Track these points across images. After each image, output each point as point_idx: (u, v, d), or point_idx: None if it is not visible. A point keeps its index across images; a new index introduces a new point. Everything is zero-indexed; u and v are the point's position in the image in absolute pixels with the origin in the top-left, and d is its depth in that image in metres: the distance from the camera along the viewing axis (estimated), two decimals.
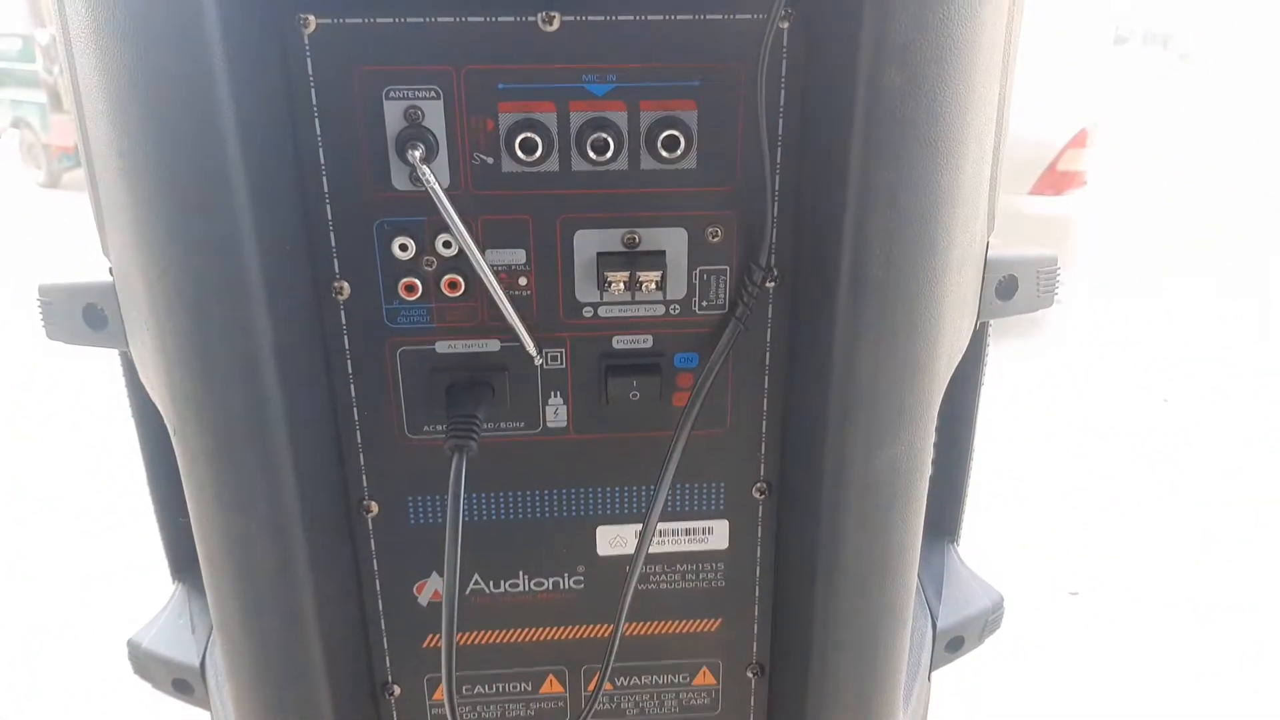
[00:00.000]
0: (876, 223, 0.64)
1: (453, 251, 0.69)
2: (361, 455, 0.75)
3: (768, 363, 0.75)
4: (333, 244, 0.69)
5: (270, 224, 0.63)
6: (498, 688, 0.84)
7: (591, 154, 0.66)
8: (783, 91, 0.67)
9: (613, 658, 0.76)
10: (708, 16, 0.65)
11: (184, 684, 0.87)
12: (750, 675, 0.86)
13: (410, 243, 0.68)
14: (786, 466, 0.78)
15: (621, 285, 0.70)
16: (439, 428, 0.75)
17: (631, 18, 0.64)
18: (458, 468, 0.68)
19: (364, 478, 0.76)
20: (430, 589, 0.80)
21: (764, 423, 0.77)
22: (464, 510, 0.77)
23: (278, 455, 0.68)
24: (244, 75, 0.60)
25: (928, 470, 0.75)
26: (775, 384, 0.76)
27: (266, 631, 0.73)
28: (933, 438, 0.74)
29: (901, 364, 0.68)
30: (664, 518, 0.78)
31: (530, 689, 0.84)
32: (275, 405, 0.67)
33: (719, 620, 0.84)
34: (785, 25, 0.65)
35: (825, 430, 0.71)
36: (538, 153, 0.66)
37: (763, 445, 0.78)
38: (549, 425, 0.76)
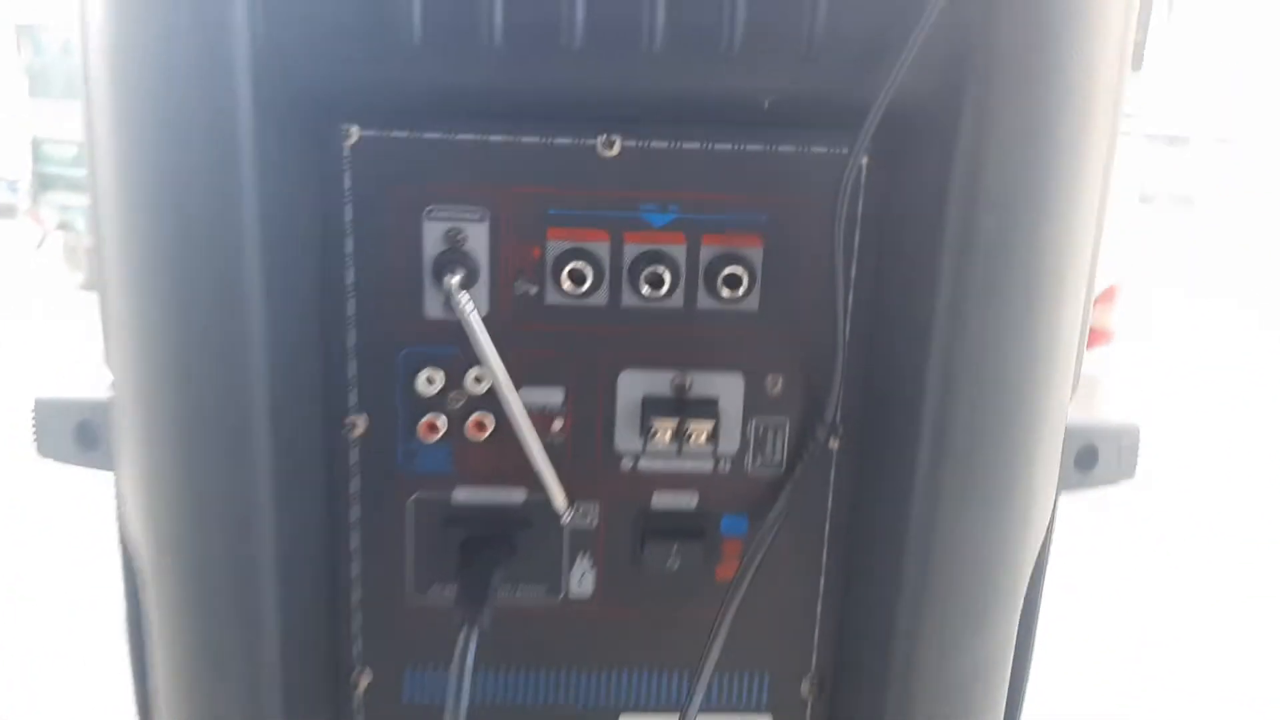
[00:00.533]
0: (964, 382, 0.57)
1: (483, 388, 0.62)
2: (359, 616, 0.65)
3: (827, 534, 0.66)
4: (351, 373, 0.62)
5: (283, 346, 0.56)
6: None
7: (645, 288, 0.60)
8: (858, 232, 0.61)
9: None
10: (779, 148, 0.60)
11: None
12: None
13: (438, 376, 0.61)
14: (844, 660, 0.68)
15: (668, 435, 0.62)
16: (449, 589, 0.65)
17: (697, 146, 0.60)
18: (465, 643, 0.58)
19: (359, 642, 0.66)
20: None
21: (819, 606, 0.67)
22: (476, 687, 0.67)
23: (262, 611, 0.58)
24: (273, 185, 0.54)
25: (1009, 670, 0.65)
26: (835, 560, 0.67)
27: None
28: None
29: (990, 547, 0.59)
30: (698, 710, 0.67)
31: None
32: (266, 553, 0.58)
33: None
34: (864, 160, 0.60)
35: (894, 622, 0.61)
36: (586, 284, 0.60)
37: (816, 632, 0.68)
38: (573, 593, 0.66)
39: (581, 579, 0.66)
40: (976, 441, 0.57)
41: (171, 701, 0.61)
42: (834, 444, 0.65)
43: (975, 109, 0.53)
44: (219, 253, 0.53)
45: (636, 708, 0.69)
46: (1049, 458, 0.62)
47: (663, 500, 0.65)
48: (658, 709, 0.69)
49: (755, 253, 0.61)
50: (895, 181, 0.60)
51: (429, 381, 0.61)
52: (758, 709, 0.69)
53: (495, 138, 0.59)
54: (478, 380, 0.62)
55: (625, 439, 0.64)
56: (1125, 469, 0.75)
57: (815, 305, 0.62)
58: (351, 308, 0.61)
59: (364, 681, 0.66)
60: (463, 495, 0.64)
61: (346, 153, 0.59)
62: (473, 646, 0.58)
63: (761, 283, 0.62)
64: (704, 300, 0.62)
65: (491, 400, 0.62)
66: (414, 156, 0.59)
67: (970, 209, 0.55)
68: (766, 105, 0.56)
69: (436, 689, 0.67)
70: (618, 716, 0.69)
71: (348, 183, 0.59)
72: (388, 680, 0.67)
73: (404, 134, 0.59)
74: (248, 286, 0.54)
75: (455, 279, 0.58)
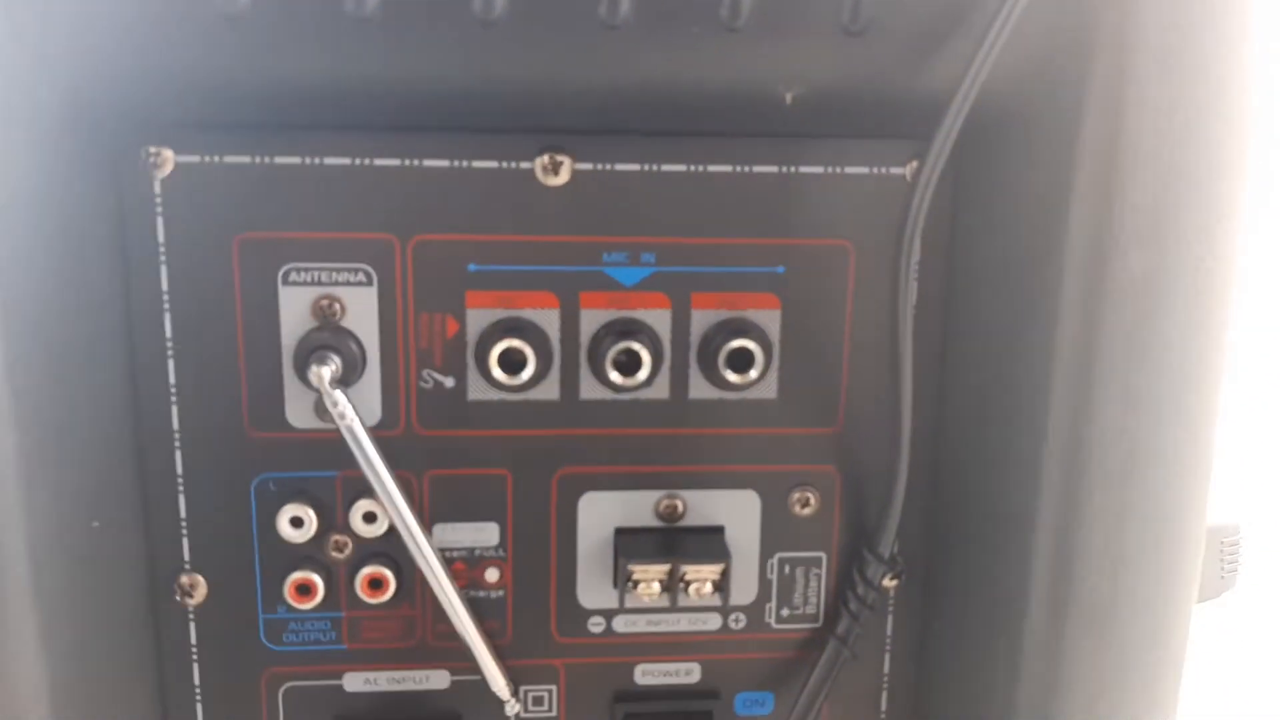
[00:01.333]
0: (1098, 479, 0.37)
1: (379, 529, 0.42)
2: None
3: (884, 708, 0.47)
4: (181, 515, 0.42)
5: (58, 493, 0.36)
6: None
7: (614, 374, 0.41)
8: (914, 283, 0.42)
9: None
10: (800, 169, 0.41)
11: None
12: None
13: (309, 516, 0.41)
14: None
15: (654, 589, 0.42)
16: None
17: (682, 168, 0.41)
18: None
19: None
20: None
21: None
22: None
23: None
24: (46, 240, 0.35)
25: None
26: None
27: None
28: None
29: (1129, 705, 0.40)
30: None
31: None
32: None
33: None
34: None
35: None
36: (527, 372, 0.40)
37: None
38: None
39: None
40: (1119, 580, 0.38)
41: None
42: (890, 582, 0.46)
43: (1104, 102, 0.35)
44: None
45: None
46: (1191, 575, 0.44)
47: (651, 675, 0.45)
48: None
49: (770, 318, 0.42)
50: (979, 207, 0.41)
51: (295, 524, 0.41)
52: None
53: (383, 161, 0.40)
54: (368, 520, 0.42)
55: (593, 590, 0.44)
56: (1226, 579, 0.57)
57: (860, 388, 0.43)
58: (174, 418, 0.41)
59: None
60: (358, 681, 0.44)
61: (157, 188, 0.39)
62: None
63: (780, 360, 0.43)
64: (699, 387, 0.43)
65: (392, 544, 0.42)
66: (258, 191, 0.39)
67: (1102, 241, 0.36)
68: (789, 100, 0.37)
69: None
70: None
71: (160, 232, 0.39)
72: None
73: (241, 159, 0.39)
74: None
75: (327, 371, 0.39)
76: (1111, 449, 0.37)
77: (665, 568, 0.42)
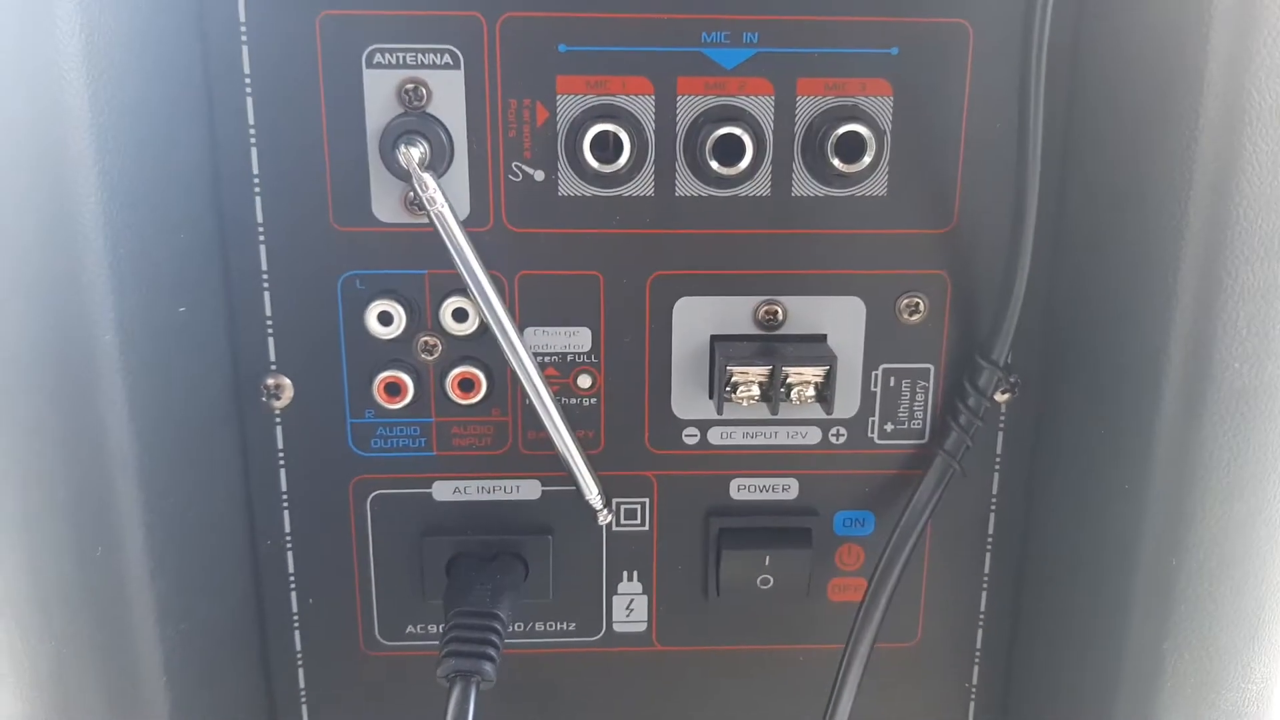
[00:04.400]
0: (1245, 278, 0.34)
1: (469, 327, 0.41)
2: (300, 673, 0.45)
3: (992, 531, 0.45)
4: (266, 313, 0.41)
5: (144, 268, 0.35)
6: None
7: (713, 164, 0.38)
8: (1042, 68, 0.39)
9: None
10: None
11: None
12: None
13: (398, 312, 0.40)
14: (1019, 711, 0.46)
15: (754, 390, 0.40)
16: (433, 629, 0.44)
17: None
18: (460, 706, 0.37)
19: (303, 711, 0.45)
20: None
21: (980, 634, 0.46)
22: None
23: (140, 666, 0.38)
24: (127, 19, 0.33)
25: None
26: (1003, 567, 0.45)
27: None
28: None
29: (1273, 543, 0.37)
30: None
31: None
32: (138, 582, 0.37)
33: None
34: None
35: (1118, 650, 0.39)
36: (621, 161, 0.38)
37: (975, 672, 0.46)
38: (618, 629, 0.45)
39: (629, 609, 0.45)
40: (1255, 350, 0.35)
41: None
42: (1003, 396, 0.43)
43: None
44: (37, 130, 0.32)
45: None
46: None
47: (747, 490, 0.44)
48: None
49: (882, 105, 0.39)
50: None
51: (384, 320, 0.40)
52: None
53: None
54: (459, 317, 0.40)
55: (687, 400, 0.42)
56: None
57: (976, 185, 0.40)
58: (258, 210, 0.39)
59: None
60: (447, 491, 0.43)
61: None
62: (469, 716, 0.37)
63: (892, 152, 0.40)
64: (803, 182, 0.40)
65: (483, 346, 0.41)
66: None
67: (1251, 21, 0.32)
68: None
69: None
70: None
71: (241, 9, 0.38)
72: None
73: None
74: (77, 171, 0.33)
75: (415, 152, 0.37)
76: (1253, 230, 0.34)
77: (766, 370, 0.40)
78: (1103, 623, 0.40)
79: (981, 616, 0.46)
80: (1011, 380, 0.43)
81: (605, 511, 0.42)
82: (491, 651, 0.38)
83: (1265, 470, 0.36)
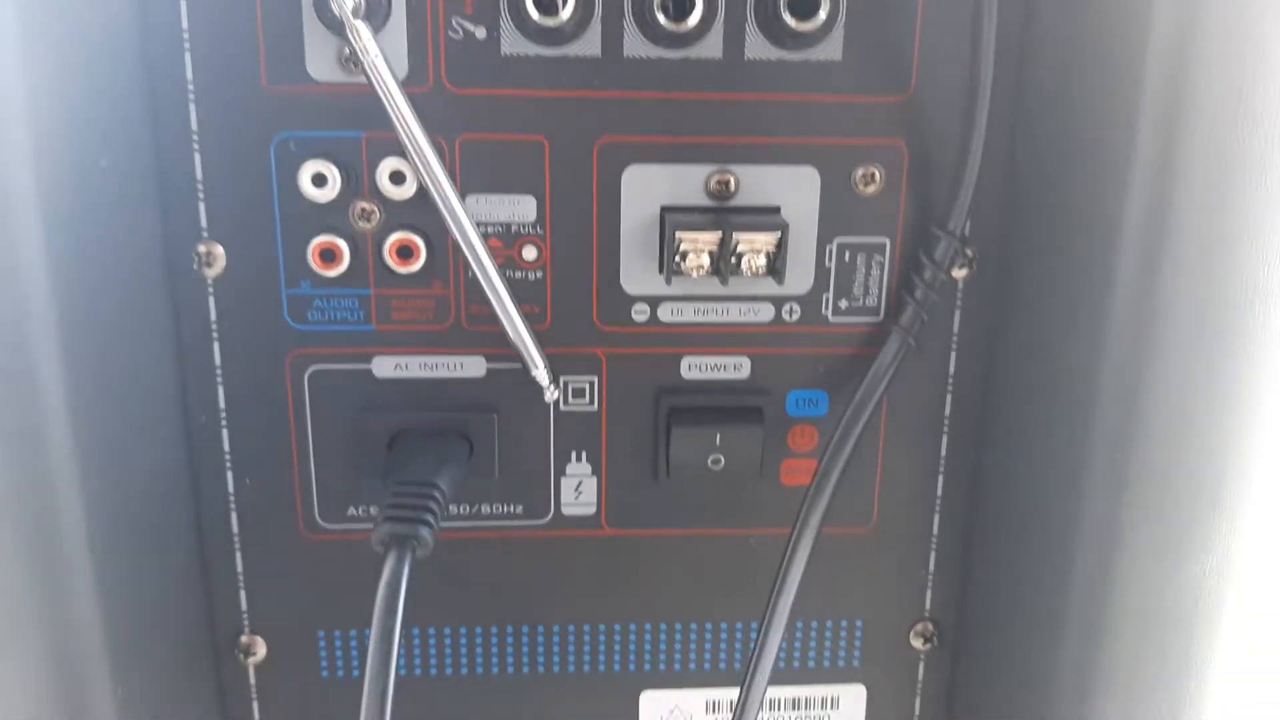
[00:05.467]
0: (1197, 146, 0.33)
1: (407, 192, 0.39)
2: (238, 557, 0.44)
3: (948, 411, 0.44)
4: (197, 176, 0.39)
5: (67, 124, 0.33)
6: None
7: (662, 20, 0.37)
8: None
9: None
10: None
11: None
12: None
13: (332, 173, 0.38)
14: (976, 599, 0.46)
15: (703, 261, 0.39)
16: (375, 512, 0.43)
17: None
18: (394, 573, 0.36)
19: (240, 596, 0.44)
20: None
21: (936, 519, 0.45)
22: (406, 654, 0.45)
23: (66, 554, 0.37)
24: None
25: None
26: (959, 450, 0.44)
27: None
28: None
29: (1214, 418, 0.37)
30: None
31: None
32: (64, 468, 0.36)
33: None
34: None
35: (1073, 530, 0.39)
36: (566, 11, 0.37)
37: (932, 558, 0.46)
38: (565, 512, 0.44)
39: (578, 491, 0.44)
40: (1208, 250, 0.34)
41: None
42: (960, 273, 0.42)
43: None
44: None
45: (663, 680, 0.47)
46: None
47: (698, 369, 0.43)
48: (697, 680, 0.47)
49: None
50: None
51: (318, 182, 0.38)
52: (848, 673, 0.47)
53: None
54: (396, 180, 0.39)
55: (636, 274, 0.41)
56: None
57: (935, 48, 0.39)
58: (188, 67, 0.38)
59: (257, 653, 0.45)
60: (388, 367, 0.42)
61: None
62: (403, 582, 0.36)
63: (848, 13, 0.38)
64: (756, 44, 0.39)
65: (423, 214, 0.40)
66: None
67: None
68: None
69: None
70: (638, 693, 0.47)
71: None
72: (293, 649, 0.45)
73: None
74: None
75: (350, 3, 0.35)
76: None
77: (716, 237, 0.39)
78: (1058, 503, 0.40)
79: (938, 502, 0.45)
80: (968, 255, 0.42)
81: (552, 388, 0.41)
82: (429, 518, 0.37)
83: (1223, 331, 0.35)
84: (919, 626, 0.47)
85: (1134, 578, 0.38)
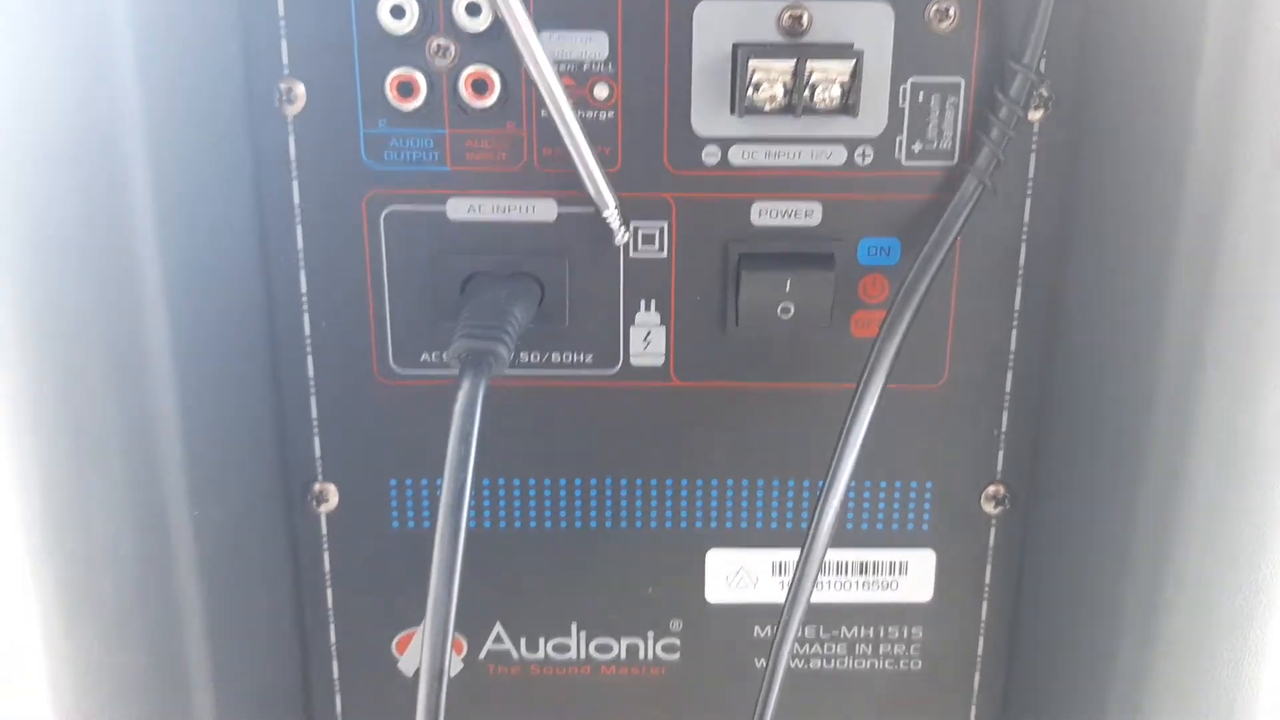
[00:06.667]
0: None
1: (482, 23, 0.39)
2: (313, 400, 0.44)
3: (1023, 262, 0.43)
4: (280, 13, 0.40)
5: None
6: None
7: None
8: None
9: None
10: None
11: None
12: None
13: (411, 5, 0.39)
14: (1051, 456, 0.45)
15: (776, 93, 0.39)
16: (446, 356, 0.44)
17: None
18: (470, 392, 0.36)
19: (315, 443, 0.45)
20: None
21: (1009, 376, 0.45)
22: (479, 502, 0.45)
23: (151, 401, 0.38)
24: None
25: None
26: (1033, 303, 0.44)
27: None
28: None
29: None
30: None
31: None
32: (152, 301, 0.37)
33: None
34: None
35: (1153, 384, 0.38)
36: None
37: (1004, 418, 0.45)
38: (634, 362, 0.44)
39: (647, 340, 0.44)
40: None
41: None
42: (1035, 114, 0.41)
43: None
44: None
45: (730, 539, 0.47)
46: None
47: (768, 215, 0.42)
48: (763, 539, 0.47)
49: None
50: None
51: (396, 14, 0.39)
52: (916, 537, 0.47)
53: None
54: (472, 11, 0.39)
55: (707, 116, 0.41)
56: None
57: None
58: None
59: (330, 500, 0.46)
60: (462, 209, 0.42)
61: None
62: (479, 396, 0.36)
63: None
64: None
65: (498, 51, 0.40)
66: None
67: None
68: None
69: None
70: (705, 551, 0.47)
71: None
72: (364, 498, 0.46)
73: None
74: None
75: None
76: None
77: (789, 65, 0.39)
78: (1139, 344, 0.39)
79: (1011, 357, 0.44)
80: (1044, 94, 0.41)
81: (623, 230, 0.41)
82: (505, 338, 0.38)
83: None
84: (990, 489, 0.46)
85: (1211, 430, 0.37)
